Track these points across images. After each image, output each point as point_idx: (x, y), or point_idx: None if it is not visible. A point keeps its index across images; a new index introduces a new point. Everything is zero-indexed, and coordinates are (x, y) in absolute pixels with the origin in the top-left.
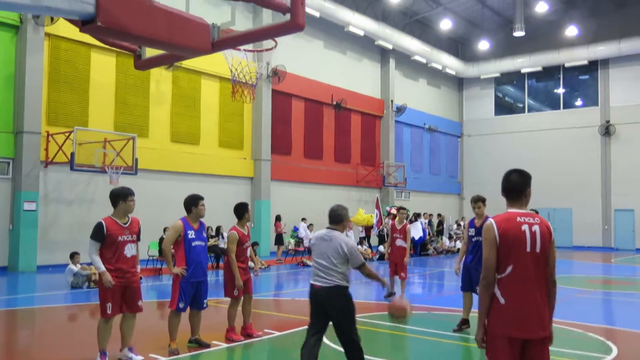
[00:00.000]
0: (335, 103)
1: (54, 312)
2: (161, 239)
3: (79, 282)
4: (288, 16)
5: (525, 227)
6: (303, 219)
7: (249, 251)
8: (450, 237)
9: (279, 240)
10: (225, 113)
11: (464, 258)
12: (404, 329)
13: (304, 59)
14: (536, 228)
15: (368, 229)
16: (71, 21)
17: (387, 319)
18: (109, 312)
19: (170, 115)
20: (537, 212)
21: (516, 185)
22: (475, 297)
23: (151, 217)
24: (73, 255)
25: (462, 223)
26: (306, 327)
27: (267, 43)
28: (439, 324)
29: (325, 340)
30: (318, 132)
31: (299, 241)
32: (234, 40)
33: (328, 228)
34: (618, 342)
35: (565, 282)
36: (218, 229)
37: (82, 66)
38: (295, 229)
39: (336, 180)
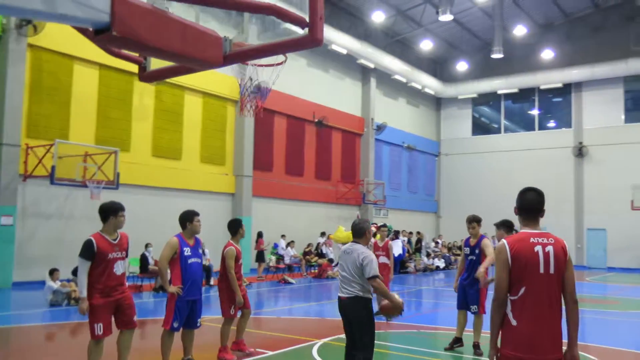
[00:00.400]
0: (317, 120)
1: (33, 331)
2: (142, 256)
3: (58, 299)
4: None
5: (538, 248)
6: (283, 236)
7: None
8: (428, 255)
9: (260, 257)
10: (208, 128)
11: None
12: (395, 347)
13: (287, 76)
14: (550, 249)
15: None
16: (81, 31)
17: (384, 338)
18: (99, 332)
19: (153, 130)
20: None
21: (534, 204)
22: (470, 316)
23: (132, 232)
24: (52, 272)
25: (439, 241)
26: (299, 345)
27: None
28: (429, 342)
29: None
30: (299, 149)
31: (280, 258)
32: (246, 54)
33: (352, 242)
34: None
35: None
36: None
37: (64, 78)
38: (276, 246)
39: (317, 197)
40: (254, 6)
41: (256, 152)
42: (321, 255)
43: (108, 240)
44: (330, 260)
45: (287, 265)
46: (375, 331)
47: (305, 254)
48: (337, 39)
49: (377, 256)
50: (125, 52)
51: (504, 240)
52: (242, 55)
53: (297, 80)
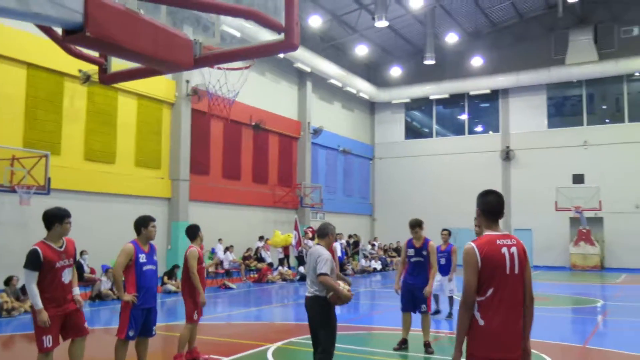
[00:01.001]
0: (254, 124)
1: None
2: (77, 264)
3: None
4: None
5: (504, 250)
6: (220, 240)
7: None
8: (365, 257)
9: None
10: (143, 131)
11: (402, 278)
12: (347, 349)
13: (223, 79)
14: (514, 250)
15: (286, 249)
16: (44, 30)
17: (337, 340)
18: (47, 345)
19: (85, 133)
20: (450, 232)
21: (496, 206)
22: (414, 317)
23: None
24: None
25: (375, 243)
26: (253, 350)
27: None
28: (378, 343)
29: None
30: (236, 153)
31: (218, 263)
32: (218, 58)
33: (317, 243)
34: (549, 354)
35: None
36: None
37: None
38: (213, 251)
39: (254, 201)
40: (234, 10)
41: (193, 155)
42: (260, 259)
43: (54, 248)
44: (270, 265)
45: (226, 270)
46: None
47: (244, 258)
48: None
49: None
50: (86, 52)
51: (472, 244)
52: (214, 59)
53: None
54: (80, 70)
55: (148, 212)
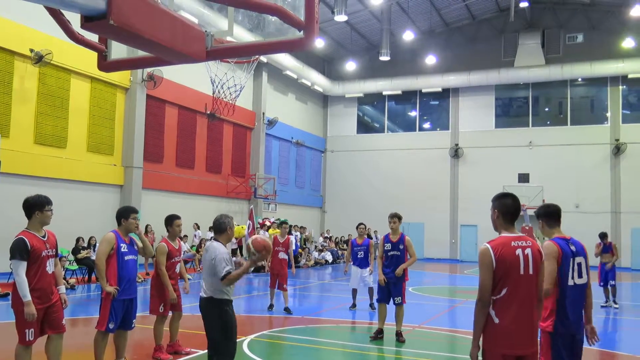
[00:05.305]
0: (209, 112)
1: None
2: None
3: None
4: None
5: (519, 252)
6: None
7: (178, 267)
8: (319, 250)
9: None
10: (96, 116)
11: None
12: (320, 342)
13: (180, 65)
14: (529, 251)
15: (239, 240)
16: (54, 14)
17: (308, 334)
18: (30, 338)
19: (35, 115)
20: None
21: (514, 210)
22: (389, 308)
23: (12, 226)
24: None
25: (328, 236)
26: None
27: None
28: (352, 335)
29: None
30: (191, 141)
31: None
32: (230, 51)
33: (213, 239)
34: None
35: (438, 293)
36: (89, 239)
37: None
38: None
39: (207, 190)
40: (259, 5)
41: (146, 142)
42: None
43: (38, 237)
44: None
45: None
46: (238, 336)
47: (198, 248)
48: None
49: (277, 252)
50: (88, 38)
51: (487, 245)
52: (225, 52)
53: (189, 70)
54: (31, 50)
55: (99, 199)
